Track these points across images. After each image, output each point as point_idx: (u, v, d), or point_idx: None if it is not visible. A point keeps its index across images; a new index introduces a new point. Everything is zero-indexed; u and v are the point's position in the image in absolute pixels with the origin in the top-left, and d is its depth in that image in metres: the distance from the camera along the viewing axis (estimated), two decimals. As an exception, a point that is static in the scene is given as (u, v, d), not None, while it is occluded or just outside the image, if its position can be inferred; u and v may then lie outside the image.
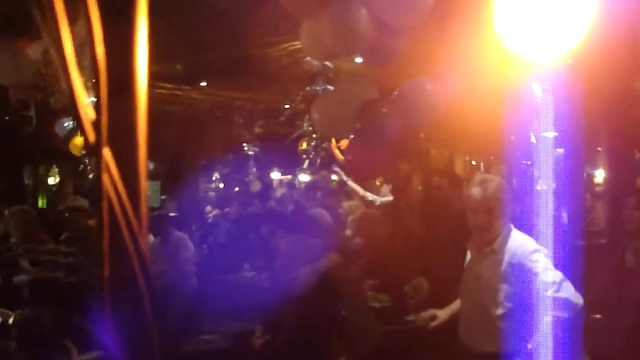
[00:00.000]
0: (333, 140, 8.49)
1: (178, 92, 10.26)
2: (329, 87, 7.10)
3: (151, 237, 7.95)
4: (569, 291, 3.16)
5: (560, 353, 3.03)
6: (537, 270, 3.19)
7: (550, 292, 3.11)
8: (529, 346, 3.12)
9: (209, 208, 10.33)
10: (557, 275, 3.19)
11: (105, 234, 1.82)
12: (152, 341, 1.91)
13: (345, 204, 7.27)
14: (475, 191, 3.42)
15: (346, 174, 7.50)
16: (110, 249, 1.83)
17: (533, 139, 7.50)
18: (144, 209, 1.92)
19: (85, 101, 1.85)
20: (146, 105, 1.93)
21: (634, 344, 1.92)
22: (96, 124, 1.83)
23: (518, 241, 3.33)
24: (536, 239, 3.32)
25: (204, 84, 10.14)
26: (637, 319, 1.85)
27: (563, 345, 3.06)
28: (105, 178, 1.81)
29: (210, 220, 9.57)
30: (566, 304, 3.13)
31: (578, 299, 3.17)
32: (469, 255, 3.61)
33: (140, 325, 1.88)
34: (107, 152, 1.84)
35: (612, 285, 2.29)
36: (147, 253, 1.90)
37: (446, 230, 4.76)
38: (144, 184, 1.94)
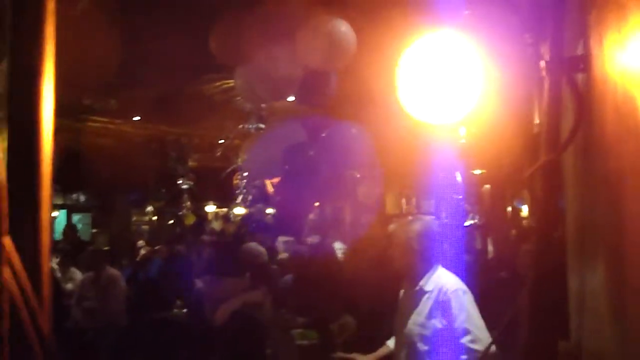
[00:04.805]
0: (267, 177, 8.55)
1: (110, 126, 10.13)
2: (261, 125, 7.21)
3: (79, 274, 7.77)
4: (481, 333, 3.28)
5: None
6: (456, 310, 3.30)
7: (465, 340, 3.23)
8: None
9: (140, 242, 10.10)
10: (473, 316, 3.31)
11: (5, 323, 1.68)
12: None
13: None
14: (399, 231, 3.52)
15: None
16: (12, 338, 1.70)
17: (459, 177, 7.80)
18: (46, 292, 1.85)
19: None
20: (50, 184, 1.85)
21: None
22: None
23: (444, 279, 3.43)
24: (462, 272, 3.43)
25: (137, 118, 10.05)
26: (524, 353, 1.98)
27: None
28: (5, 271, 1.66)
29: (140, 256, 9.37)
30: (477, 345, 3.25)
31: (487, 339, 3.29)
32: (402, 292, 3.69)
33: None
34: (7, 242, 1.69)
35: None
36: (51, 341, 1.82)
37: (374, 268, 4.84)
38: (47, 265, 1.86)
